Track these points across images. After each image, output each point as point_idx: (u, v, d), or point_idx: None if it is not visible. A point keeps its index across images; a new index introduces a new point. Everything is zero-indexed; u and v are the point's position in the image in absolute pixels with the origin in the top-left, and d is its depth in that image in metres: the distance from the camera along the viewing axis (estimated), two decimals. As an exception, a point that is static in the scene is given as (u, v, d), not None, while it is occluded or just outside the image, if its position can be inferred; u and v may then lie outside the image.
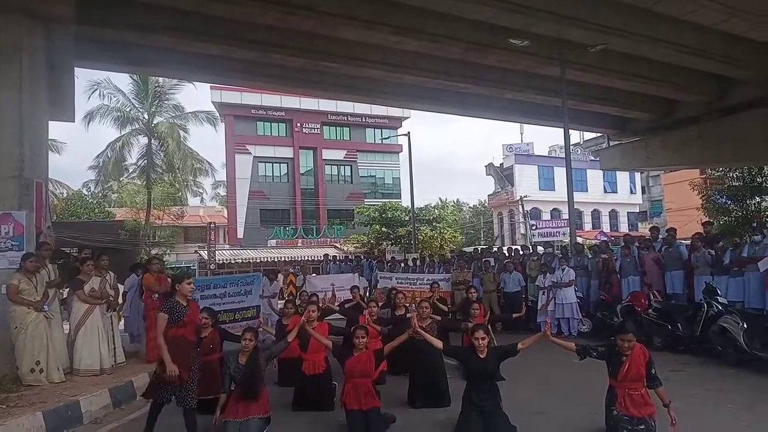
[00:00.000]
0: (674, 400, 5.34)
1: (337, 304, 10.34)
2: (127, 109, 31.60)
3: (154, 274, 9.29)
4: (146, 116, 31.96)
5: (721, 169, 23.03)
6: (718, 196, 22.86)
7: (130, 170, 36.77)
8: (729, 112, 17.06)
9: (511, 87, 16.60)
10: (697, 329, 8.85)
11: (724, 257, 9.80)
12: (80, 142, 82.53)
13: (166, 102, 32.19)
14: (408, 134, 29.02)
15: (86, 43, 11.85)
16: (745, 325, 7.88)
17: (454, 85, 16.22)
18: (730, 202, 21.85)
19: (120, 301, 9.80)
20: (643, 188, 48.49)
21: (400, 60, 14.34)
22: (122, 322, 10.67)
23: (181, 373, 5.36)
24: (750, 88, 15.84)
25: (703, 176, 26.65)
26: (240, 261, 33.51)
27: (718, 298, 8.79)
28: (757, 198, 21.63)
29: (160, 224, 33.00)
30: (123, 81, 59.17)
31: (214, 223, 35.09)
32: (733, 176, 22.22)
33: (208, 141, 76.54)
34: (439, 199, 40.46)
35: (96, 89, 30.02)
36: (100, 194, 40.60)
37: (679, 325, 9.32)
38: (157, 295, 9.14)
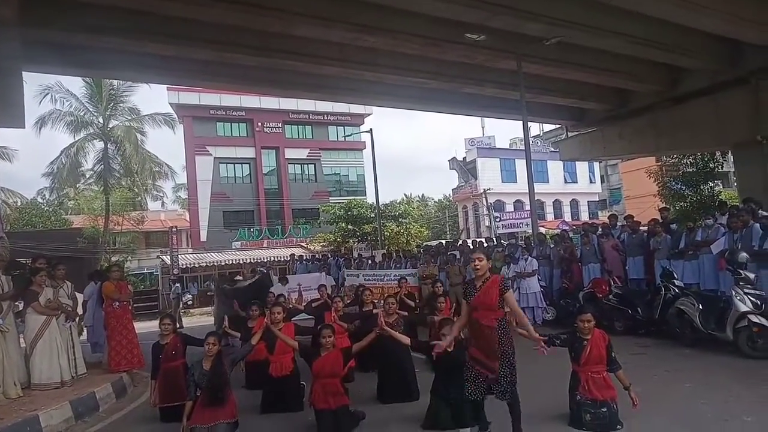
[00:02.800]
0: (636, 382, 5.50)
1: (303, 304, 10.27)
2: (81, 113, 30.74)
3: (114, 281, 9.08)
4: (101, 120, 31.13)
5: (675, 156, 23.76)
6: (673, 183, 23.59)
7: (87, 176, 35.89)
8: (680, 100, 17.60)
9: (470, 81, 16.73)
10: (656, 312, 9.11)
11: (680, 242, 10.11)
12: (33, 149, 79.80)
13: (121, 105, 31.44)
14: (371, 131, 29.02)
15: (35, 47, 11.47)
16: (700, 307, 8.14)
17: (413, 80, 16.25)
18: (685, 187, 22.57)
19: (80, 311, 9.53)
20: (602, 177, 49.67)
21: (358, 56, 14.28)
22: (85, 331, 10.41)
23: None
24: (700, 76, 16.36)
25: (659, 164, 27.46)
26: (204, 264, 32.95)
27: (675, 281, 9.06)
28: (710, 183, 22.39)
29: (120, 230, 32.20)
30: (75, 84, 57.62)
31: (176, 227, 34.41)
32: (687, 163, 22.94)
33: (167, 143, 75.10)
34: (404, 194, 40.65)
35: (47, 93, 29.11)
36: (56, 202, 39.33)
37: (638, 309, 9.58)
38: (117, 304, 8.94)
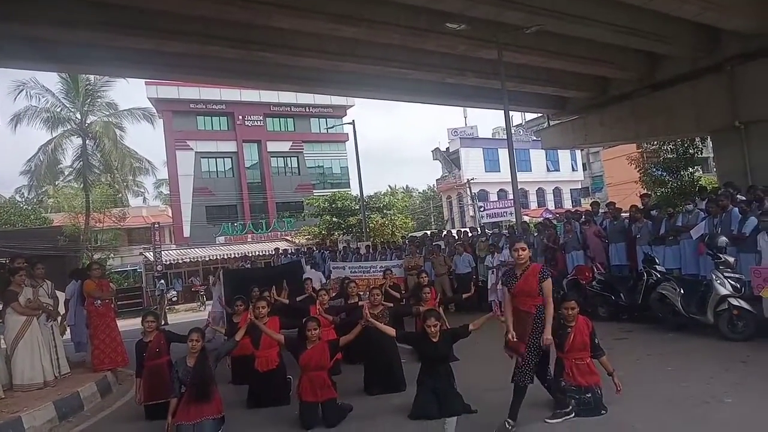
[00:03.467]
0: (619, 366, 5.57)
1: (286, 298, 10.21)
2: (58, 110, 30.26)
3: (95, 279, 8.96)
4: (79, 116, 30.65)
5: (656, 143, 24.00)
6: (654, 169, 23.83)
7: (66, 173, 35.39)
8: (659, 87, 17.74)
9: (451, 71, 16.70)
10: (639, 298, 9.21)
11: (660, 227, 10.22)
12: (9, 147, 78.36)
13: (98, 100, 30.95)
14: (353, 123, 28.87)
15: (5, 42, 11.22)
16: (682, 291, 8.26)
17: (394, 71, 16.17)
18: (665, 174, 22.81)
19: (61, 310, 9.40)
20: (584, 165, 50.07)
21: (337, 47, 14.19)
22: (68, 331, 10.27)
23: None
24: (678, 63, 16.51)
25: (640, 150, 27.71)
26: (188, 260, 32.72)
27: (657, 266, 9.16)
28: (690, 169, 22.65)
29: (102, 227, 31.79)
30: (51, 80, 56.60)
31: (159, 223, 34.04)
32: (667, 149, 23.17)
33: (146, 139, 74.15)
34: (389, 186, 40.61)
35: (22, 90, 28.62)
36: (35, 200, 38.72)
37: (621, 294, 9.69)
38: (99, 302, 8.82)
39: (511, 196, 38.46)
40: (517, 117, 45.11)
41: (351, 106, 43.61)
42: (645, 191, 20.51)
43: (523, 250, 5.18)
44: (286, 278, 10.35)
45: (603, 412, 5.12)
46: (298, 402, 5.90)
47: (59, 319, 9.00)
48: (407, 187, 60.96)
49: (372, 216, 30.99)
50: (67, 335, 10.27)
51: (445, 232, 18.23)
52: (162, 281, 23.31)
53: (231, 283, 11.34)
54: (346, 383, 6.82)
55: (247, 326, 6.35)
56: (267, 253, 29.75)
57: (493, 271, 12.48)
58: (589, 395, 5.16)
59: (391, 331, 6.13)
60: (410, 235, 25.18)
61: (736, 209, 8.75)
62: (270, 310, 7.13)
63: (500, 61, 14.41)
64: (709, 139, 21.72)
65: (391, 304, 7.86)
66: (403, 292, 10.62)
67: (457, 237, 15.86)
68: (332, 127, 41.23)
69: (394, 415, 5.80)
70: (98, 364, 8.65)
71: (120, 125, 32.45)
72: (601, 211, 12.82)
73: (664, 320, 8.61)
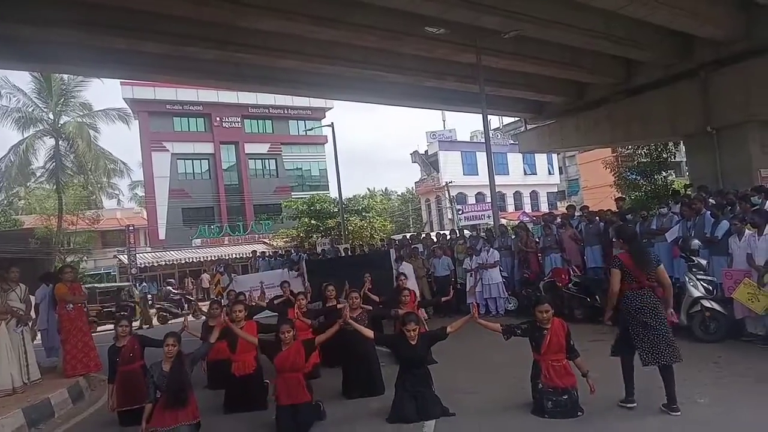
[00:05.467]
0: (594, 368, 5.62)
1: (266, 301, 10.12)
2: (30, 109, 29.58)
3: (67, 283, 8.76)
4: (51, 116, 30.01)
5: (630, 147, 24.38)
6: (628, 173, 24.17)
7: (38, 174, 34.62)
8: (635, 92, 18.08)
9: (430, 75, 16.81)
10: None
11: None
12: (-21, 147, 76.53)
13: (72, 100, 30.33)
14: (332, 125, 28.81)
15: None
16: (655, 293, 8.36)
17: (373, 74, 16.22)
18: (639, 177, 23.15)
19: (33, 315, 9.18)
20: (560, 169, 50.65)
21: (316, 50, 14.18)
22: (38, 336, 10.04)
23: None
24: (653, 69, 16.84)
25: (615, 154, 28.11)
26: (164, 263, 32.28)
27: (631, 269, 9.26)
28: (663, 173, 23.05)
29: (75, 230, 31.16)
30: (23, 79, 55.42)
31: (133, 225, 33.54)
32: (641, 153, 23.52)
33: (121, 140, 73.09)
34: (368, 188, 40.60)
35: (-9, 89, 27.89)
36: (5, 201, 37.82)
37: (597, 297, 9.80)
38: (71, 306, 8.63)
39: (488, 199, 38.77)
40: (494, 121, 45.43)
41: (330, 108, 43.51)
42: (620, 195, 20.83)
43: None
44: (372, 268, 10.46)
45: (579, 413, 5.17)
46: (275, 407, 5.85)
47: (30, 323, 8.78)
48: (386, 189, 61.06)
49: (351, 218, 30.93)
50: (38, 340, 10.04)
51: (423, 235, 18.28)
52: (145, 284, 22.91)
53: (316, 272, 11.79)
54: (324, 387, 6.79)
55: (222, 330, 6.27)
56: (244, 256, 29.49)
57: (471, 274, 12.55)
58: (565, 397, 5.20)
59: (370, 333, 6.11)
60: (389, 237, 25.16)
61: (709, 213, 8.93)
62: (247, 314, 7.03)
63: (479, 65, 14.53)
64: (682, 143, 22.22)
65: (370, 307, 7.84)
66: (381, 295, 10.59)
67: (435, 240, 15.90)
68: (311, 130, 41.08)
69: (372, 419, 5.78)
70: (70, 369, 8.44)
71: (94, 126, 31.91)
72: (576, 214, 12.97)
73: (638, 322, 8.71)
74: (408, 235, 19.11)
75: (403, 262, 12.30)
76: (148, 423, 5.46)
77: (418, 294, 10.59)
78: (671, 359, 5.05)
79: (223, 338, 6.59)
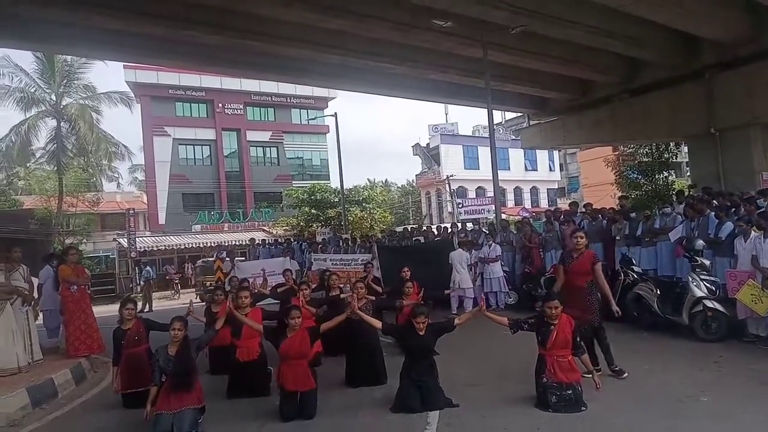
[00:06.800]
0: (595, 364, 5.67)
1: (268, 288, 10.16)
2: (32, 90, 29.45)
3: (71, 264, 8.78)
4: (54, 97, 29.90)
5: (632, 146, 24.40)
6: (629, 172, 24.20)
7: (38, 155, 34.50)
8: (638, 92, 18.08)
9: (435, 68, 16.76)
10: (615, 297, 9.35)
11: (637, 229, 10.41)
12: (-22, 126, 76.15)
13: (75, 82, 30.20)
14: (335, 115, 28.73)
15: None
16: (658, 292, 8.44)
17: (379, 65, 16.17)
18: (640, 177, 23.17)
19: (35, 295, 9.20)
20: (561, 165, 50.66)
21: (323, 39, 14.11)
22: (40, 316, 10.06)
23: None
24: (656, 69, 16.83)
25: (616, 153, 28.14)
26: (163, 248, 32.26)
27: (634, 267, 9.33)
28: (664, 173, 23.08)
29: (75, 212, 31.10)
30: (25, 59, 54.97)
31: (134, 209, 33.45)
32: (643, 153, 23.56)
33: (123, 123, 72.86)
34: (368, 180, 40.53)
35: (-7, 68, 27.73)
36: (5, 182, 37.69)
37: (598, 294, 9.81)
38: (75, 287, 8.66)
39: (489, 194, 38.78)
40: (497, 116, 45.32)
41: (333, 98, 43.36)
42: (620, 193, 20.88)
43: (582, 237, 6.50)
44: (440, 254, 10.95)
45: (583, 408, 5.22)
46: (278, 393, 5.89)
47: (33, 304, 8.81)
48: (386, 181, 61.00)
49: (351, 209, 30.93)
50: (39, 320, 10.06)
51: (425, 228, 18.30)
52: (148, 267, 22.90)
53: (386, 258, 12.10)
54: (327, 375, 6.82)
55: (227, 316, 6.30)
56: (244, 243, 29.48)
57: (471, 268, 12.57)
58: (569, 392, 5.25)
59: (378, 324, 6.16)
60: (390, 229, 25.20)
61: (713, 214, 8.97)
62: (252, 301, 7.06)
63: (486, 59, 14.51)
64: (683, 144, 22.25)
65: (374, 297, 7.88)
66: (383, 286, 10.63)
67: (436, 233, 15.93)
68: (314, 119, 40.88)
69: (375, 408, 5.83)
70: (73, 350, 8.49)
71: (96, 108, 31.78)
72: (579, 211, 13.00)
73: (639, 320, 8.77)
74: (410, 228, 19.10)
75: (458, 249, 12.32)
76: (154, 406, 5.50)
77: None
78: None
79: (227, 324, 6.62)
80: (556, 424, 4.95)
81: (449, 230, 15.64)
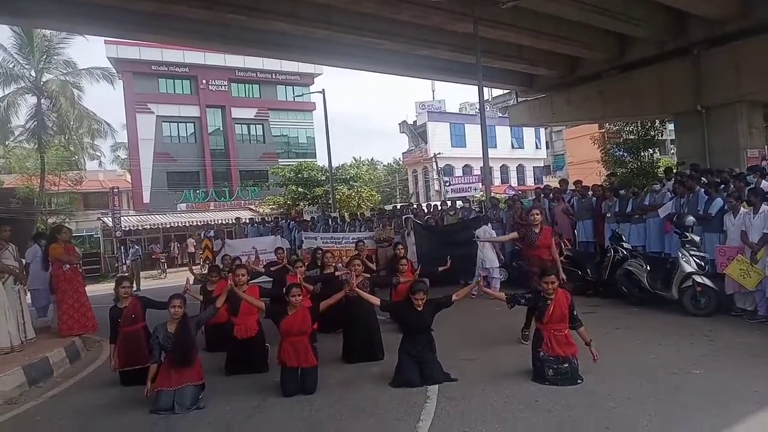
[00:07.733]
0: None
1: (261, 266, 10.16)
2: (10, 65, 28.87)
3: (62, 243, 8.68)
4: (33, 73, 29.29)
5: (618, 123, 24.51)
6: (615, 149, 24.36)
7: (17, 133, 33.86)
8: (627, 68, 18.10)
9: (424, 43, 16.57)
10: (605, 273, 9.52)
11: (627, 206, 10.53)
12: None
13: (55, 57, 29.63)
14: (323, 92, 28.41)
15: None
16: (648, 268, 8.58)
17: (367, 40, 15.95)
18: (626, 154, 23.35)
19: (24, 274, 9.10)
20: (547, 143, 50.85)
21: (310, 13, 13.91)
22: (28, 295, 9.96)
23: None
24: (646, 45, 16.85)
25: (602, 131, 28.25)
26: (148, 227, 31.99)
27: (624, 243, 9.46)
28: (650, 150, 23.28)
29: (57, 191, 30.66)
30: (3, 34, 53.62)
31: (118, 188, 33.05)
32: (629, 130, 23.71)
33: (106, 100, 71.34)
34: (354, 158, 40.30)
35: (-33, 43, 27.04)
36: (-16, 160, 37.10)
37: (588, 270, 9.98)
38: (68, 266, 8.58)
39: (476, 172, 38.92)
40: (484, 93, 45.31)
41: (319, 74, 42.89)
42: (606, 171, 21.04)
43: (538, 214, 7.45)
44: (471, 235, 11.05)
45: (579, 381, 5.32)
46: (278, 368, 5.92)
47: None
48: (372, 159, 60.78)
49: (338, 187, 30.82)
50: (28, 300, 9.98)
51: (415, 205, 18.31)
52: (136, 246, 22.69)
53: (422, 238, 12.29)
54: (323, 351, 6.84)
55: (228, 293, 6.30)
56: (230, 222, 29.34)
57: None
58: (566, 365, 5.34)
59: (376, 301, 6.21)
60: (380, 207, 25.17)
61: (702, 190, 9.09)
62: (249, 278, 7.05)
63: (476, 35, 14.40)
64: (668, 122, 22.41)
65: (369, 275, 7.91)
66: (375, 264, 10.69)
67: (426, 210, 15.95)
68: (300, 96, 40.39)
69: (375, 383, 5.89)
70: (66, 329, 8.44)
71: (78, 84, 31.23)
72: (568, 189, 13.09)
73: (629, 295, 8.92)
74: (399, 206, 19.10)
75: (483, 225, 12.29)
76: (154, 383, 5.51)
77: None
78: None
79: (226, 301, 6.61)
80: (553, 396, 5.04)
81: (439, 208, 15.64)
